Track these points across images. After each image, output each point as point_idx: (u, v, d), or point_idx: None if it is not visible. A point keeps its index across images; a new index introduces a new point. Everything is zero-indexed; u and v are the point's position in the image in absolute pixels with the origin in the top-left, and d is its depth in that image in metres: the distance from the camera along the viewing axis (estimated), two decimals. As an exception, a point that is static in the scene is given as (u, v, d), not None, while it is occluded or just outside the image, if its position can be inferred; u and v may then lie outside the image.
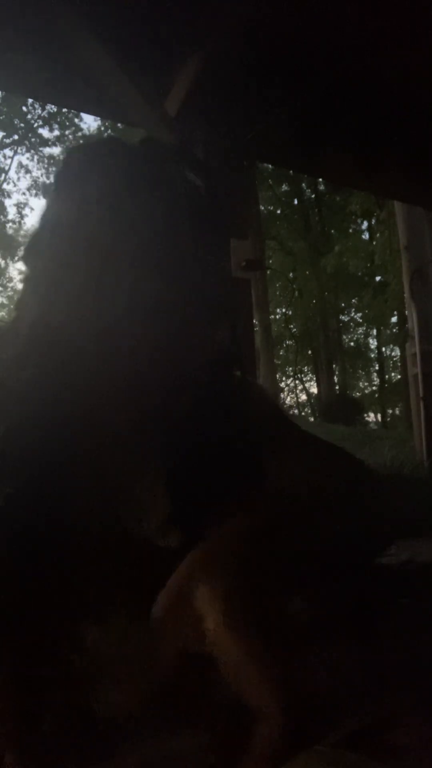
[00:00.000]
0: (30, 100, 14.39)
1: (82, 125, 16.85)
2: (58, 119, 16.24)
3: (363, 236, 17.83)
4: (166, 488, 0.74)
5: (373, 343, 22.30)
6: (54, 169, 17.44)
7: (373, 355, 22.75)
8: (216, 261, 0.77)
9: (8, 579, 0.62)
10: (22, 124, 16.10)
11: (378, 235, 15.90)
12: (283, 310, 20.50)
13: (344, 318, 21.61)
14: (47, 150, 17.17)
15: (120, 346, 0.71)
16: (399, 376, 19.68)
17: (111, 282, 0.71)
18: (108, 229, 0.72)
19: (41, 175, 17.82)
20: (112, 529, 0.74)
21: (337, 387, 20.68)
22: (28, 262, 0.77)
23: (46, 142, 16.96)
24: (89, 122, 17.66)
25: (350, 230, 18.28)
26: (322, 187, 17.51)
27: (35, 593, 0.63)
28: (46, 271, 0.75)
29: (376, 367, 22.73)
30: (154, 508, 0.74)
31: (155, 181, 0.74)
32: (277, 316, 20.04)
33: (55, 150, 17.37)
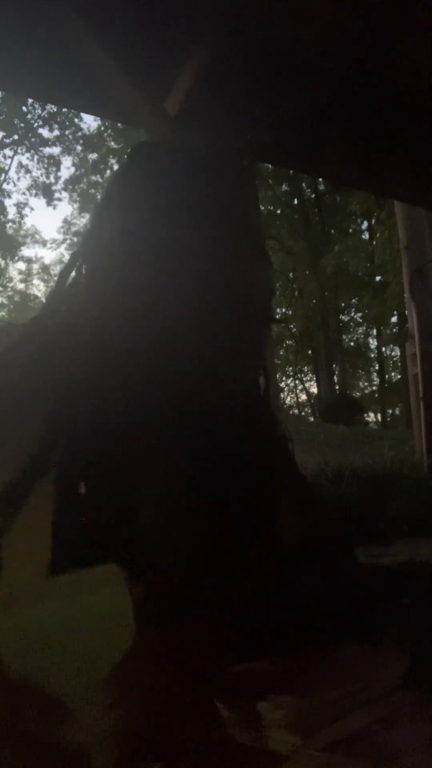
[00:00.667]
0: (30, 100, 14.39)
1: (82, 125, 16.87)
2: (58, 119, 16.25)
3: (363, 236, 17.83)
4: (193, 495, 0.75)
5: (373, 343, 22.30)
6: (54, 169, 17.43)
7: (373, 355, 22.76)
8: (262, 271, 0.77)
9: None
10: (22, 124, 16.10)
11: (378, 235, 15.90)
12: (283, 310, 20.50)
13: (344, 318, 21.61)
14: (47, 150, 17.16)
15: (172, 349, 0.72)
16: (399, 376, 19.67)
17: (167, 288, 0.72)
18: (168, 236, 0.73)
19: (41, 175, 17.81)
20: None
21: (337, 387, 20.67)
22: (85, 258, 0.77)
23: (46, 142, 16.96)
24: (89, 122, 17.67)
25: (350, 230, 18.28)
26: (322, 187, 17.52)
27: None
28: (105, 272, 0.75)
29: (376, 367, 22.73)
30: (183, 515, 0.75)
31: (217, 191, 0.75)
32: (277, 316, 20.04)
33: (55, 150, 17.38)
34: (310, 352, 21.38)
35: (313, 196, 18.79)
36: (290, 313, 20.13)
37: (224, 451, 0.75)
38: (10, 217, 19.52)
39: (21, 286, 23.18)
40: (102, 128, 15.71)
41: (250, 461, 0.73)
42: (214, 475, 0.70)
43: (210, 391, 0.73)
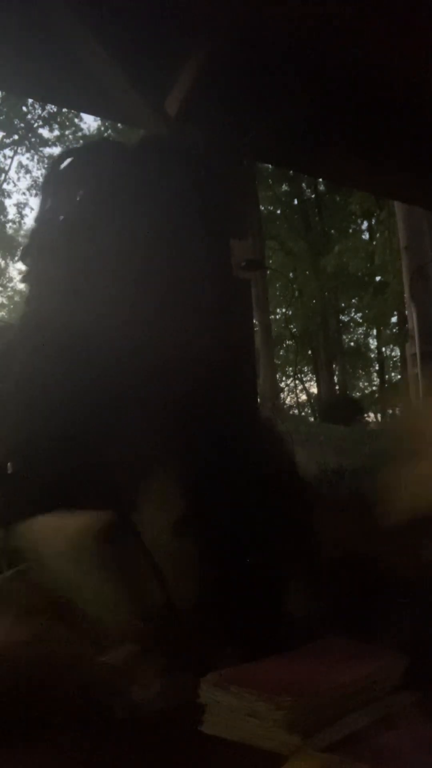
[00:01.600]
0: (30, 100, 14.39)
1: (82, 125, 16.85)
2: (58, 119, 16.25)
3: (363, 236, 17.84)
4: (178, 487, 0.76)
5: (373, 343, 22.31)
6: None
7: (373, 355, 22.76)
8: (212, 260, 0.76)
9: None
10: (22, 124, 16.10)
11: (378, 235, 15.91)
12: (283, 310, 20.51)
13: (344, 318, 21.62)
14: (47, 150, 17.16)
15: (112, 345, 0.71)
16: (399, 376, 19.67)
17: (98, 285, 0.72)
18: (99, 230, 0.72)
19: (41, 175, 17.80)
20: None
21: (337, 387, 20.68)
22: (25, 262, 0.78)
23: (46, 142, 16.96)
24: (89, 122, 17.65)
25: (350, 230, 18.29)
26: (322, 187, 17.52)
27: None
28: (43, 271, 0.75)
29: (376, 367, 22.74)
30: (166, 508, 0.75)
31: (147, 182, 0.75)
32: (277, 316, 20.05)
33: (55, 150, 17.38)
34: (310, 352, 21.39)
35: (313, 196, 18.79)
36: (290, 313, 20.15)
37: (203, 435, 0.76)
38: (10, 217, 19.52)
39: (21, 286, 23.18)
40: (102, 128, 15.71)
41: (234, 448, 0.73)
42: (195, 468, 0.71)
43: (166, 376, 0.73)
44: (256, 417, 0.83)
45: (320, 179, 14.32)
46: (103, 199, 0.73)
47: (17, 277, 23.27)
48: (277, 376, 19.86)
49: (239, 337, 0.84)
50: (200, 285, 0.75)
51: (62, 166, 0.75)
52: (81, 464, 0.71)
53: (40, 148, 17.12)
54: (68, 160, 0.75)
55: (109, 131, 15.76)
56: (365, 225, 17.85)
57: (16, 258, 22.65)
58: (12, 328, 0.79)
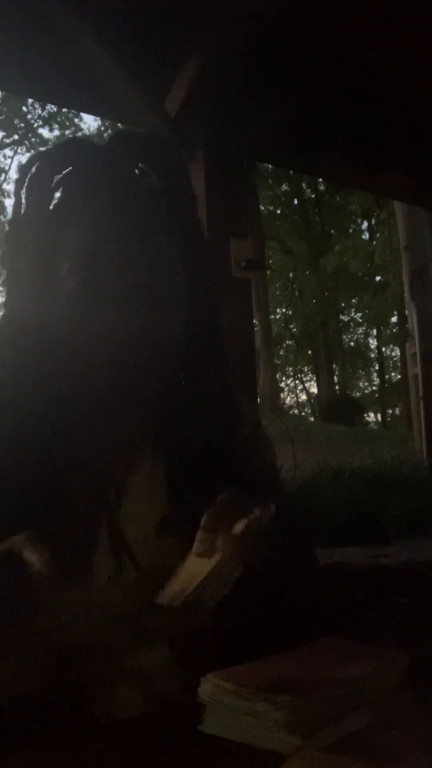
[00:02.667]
0: (30, 100, 14.40)
1: (82, 125, 16.87)
2: (58, 119, 16.26)
3: (363, 236, 17.85)
4: (163, 471, 0.77)
5: (373, 343, 22.34)
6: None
7: (373, 355, 22.79)
8: (188, 255, 0.77)
9: None
10: (22, 124, 16.11)
11: (378, 235, 15.91)
12: (283, 310, 20.52)
13: (344, 318, 21.64)
14: (47, 150, 17.16)
15: (96, 339, 0.72)
16: (399, 376, 19.69)
17: (73, 284, 0.72)
18: (72, 229, 0.73)
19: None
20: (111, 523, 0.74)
21: (337, 387, 20.69)
22: (2, 265, 0.79)
23: (46, 142, 16.96)
24: (89, 122, 17.69)
25: (350, 230, 18.30)
26: (322, 187, 17.52)
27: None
28: (19, 273, 0.76)
29: (376, 367, 22.76)
30: (148, 505, 0.76)
31: (117, 180, 0.76)
32: (277, 316, 20.06)
33: (55, 150, 17.36)
34: (310, 352, 21.40)
35: (313, 196, 18.80)
36: (290, 313, 20.15)
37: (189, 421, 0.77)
38: (10, 217, 19.50)
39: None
40: (102, 128, 15.72)
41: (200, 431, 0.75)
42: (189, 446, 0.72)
43: (142, 369, 0.74)
44: (237, 417, 0.83)
45: (320, 179, 14.32)
46: (75, 198, 0.74)
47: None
48: (277, 376, 19.87)
49: (230, 335, 0.84)
50: (174, 281, 0.75)
51: (33, 169, 0.76)
52: (62, 463, 0.72)
53: (40, 148, 17.12)
54: (37, 164, 0.76)
55: (109, 131, 15.77)
56: (365, 225, 17.88)
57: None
58: None
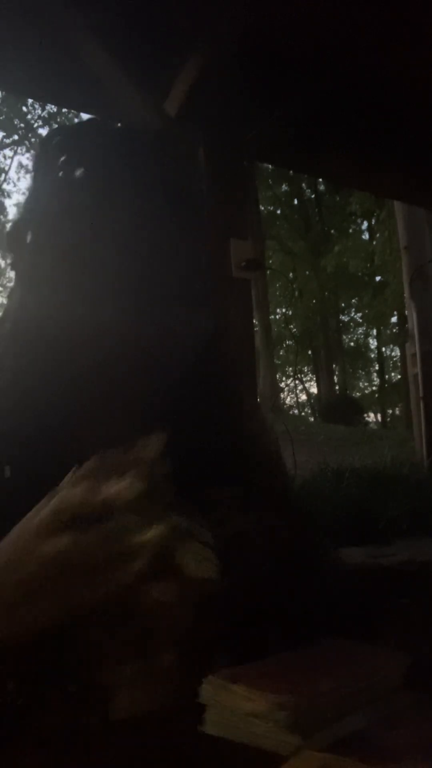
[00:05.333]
0: (30, 100, 14.38)
1: (82, 125, 16.82)
2: (58, 119, 16.24)
3: (363, 236, 17.84)
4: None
5: (373, 343, 22.33)
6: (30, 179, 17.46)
7: (373, 355, 22.78)
8: (194, 245, 0.75)
9: None
10: (22, 124, 16.09)
11: (378, 235, 15.90)
12: (283, 310, 20.51)
13: (344, 318, 21.63)
14: (47, 150, 17.16)
15: (100, 333, 0.70)
16: (399, 376, 19.68)
17: (89, 268, 0.70)
18: (86, 214, 0.70)
19: (41, 175, 17.78)
20: None
21: (337, 387, 20.68)
22: (11, 249, 0.76)
23: (46, 142, 16.95)
24: (89, 122, 17.62)
25: (350, 230, 18.29)
26: (322, 187, 17.52)
27: None
28: (28, 258, 0.74)
29: (376, 367, 22.75)
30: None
31: (134, 164, 0.72)
32: (277, 316, 20.05)
33: (55, 150, 17.37)
34: (310, 352, 21.39)
35: (313, 196, 18.79)
36: (290, 313, 20.15)
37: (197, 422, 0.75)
38: (10, 217, 19.51)
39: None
40: (102, 128, 15.67)
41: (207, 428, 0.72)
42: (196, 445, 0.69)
43: (150, 366, 0.72)
44: (243, 417, 0.82)
45: (320, 179, 14.32)
46: (97, 180, 0.71)
47: (17, 277, 23.24)
48: (277, 376, 19.87)
49: (236, 334, 0.83)
50: (189, 275, 0.73)
51: (53, 143, 0.73)
52: (68, 460, 0.71)
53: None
54: (57, 138, 0.74)
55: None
56: (365, 225, 17.86)
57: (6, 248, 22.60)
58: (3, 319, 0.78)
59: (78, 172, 0.72)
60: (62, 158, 0.73)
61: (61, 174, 0.72)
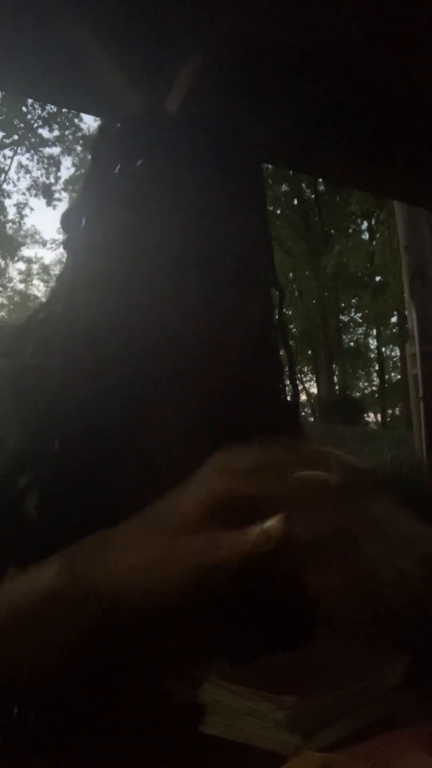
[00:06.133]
0: (30, 101, 14.41)
1: (82, 125, 16.87)
2: (58, 119, 16.29)
3: (363, 236, 17.86)
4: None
5: (373, 343, 22.34)
6: (54, 169, 17.43)
7: (373, 355, 22.79)
8: (255, 235, 0.74)
9: None
10: (22, 124, 16.12)
11: (378, 235, 15.91)
12: (283, 310, 20.49)
13: (344, 318, 21.65)
14: (47, 150, 17.20)
15: (156, 318, 0.68)
16: (399, 376, 19.69)
17: (145, 254, 0.69)
18: (144, 202, 0.69)
19: (41, 175, 17.85)
20: None
21: (337, 387, 20.70)
22: (66, 229, 0.75)
23: (46, 142, 17.00)
24: (89, 122, 17.66)
25: (350, 230, 18.31)
26: (322, 187, 17.53)
27: None
28: (82, 240, 0.72)
29: (376, 367, 22.76)
30: None
31: (192, 153, 0.71)
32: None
33: (55, 150, 17.41)
34: (310, 352, 21.41)
35: (313, 196, 18.81)
36: (290, 313, 20.15)
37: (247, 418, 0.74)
38: (10, 217, 19.56)
39: (21, 286, 23.23)
40: (102, 128, 15.67)
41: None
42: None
43: (207, 357, 0.70)
44: (290, 414, 0.82)
45: (320, 179, 14.32)
46: (157, 173, 0.70)
47: (17, 277, 23.27)
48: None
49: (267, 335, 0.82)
50: (256, 269, 0.72)
51: (114, 128, 0.73)
52: (119, 452, 0.68)
53: (40, 149, 17.16)
54: (120, 124, 0.73)
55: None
56: (365, 225, 17.88)
57: (16, 258, 22.64)
58: (15, 327, 0.77)
59: (137, 162, 0.70)
60: (121, 147, 0.72)
61: (119, 163, 0.71)
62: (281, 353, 0.82)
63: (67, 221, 0.74)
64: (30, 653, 0.53)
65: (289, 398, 0.83)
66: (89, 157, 0.76)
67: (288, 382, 0.82)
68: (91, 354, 0.69)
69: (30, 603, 0.52)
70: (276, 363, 0.80)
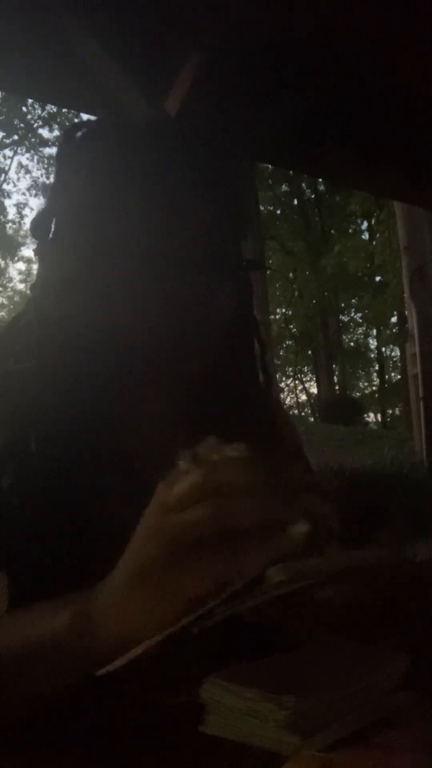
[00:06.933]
0: (30, 100, 14.41)
1: (82, 125, 16.85)
2: (58, 119, 16.27)
3: (363, 236, 17.87)
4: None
5: (373, 343, 22.36)
6: (54, 169, 17.46)
7: (373, 355, 22.80)
8: (225, 225, 0.74)
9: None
10: (22, 124, 16.12)
11: (378, 235, 15.92)
12: (283, 310, 20.53)
13: (344, 318, 21.65)
14: (47, 150, 17.20)
15: (131, 319, 0.69)
16: (399, 376, 19.70)
17: (118, 261, 0.69)
18: (121, 203, 0.70)
19: (41, 175, 17.86)
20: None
21: (337, 387, 20.70)
22: (36, 236, 0.76)
23: (46, 142, 17.00)
24: (89, 122, 17.65)
25: (350, 230, 18.32)
26: (322, 187, 17.54)
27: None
28: (52, 245, 0.73)
29: (376, 367, 22.77)
30: None
31: (160, 160, 0.71)
32: (277, 316, 20.07)
33: (55, 150, 17.42)
34: (310, 352, 21.42)
35: (313, 196, 18.81)
36: (290, 313, 20.16)
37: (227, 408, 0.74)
38: (10, 217, 19.56)
39: (21, 286, 23.20)
40: (102, 128, 15.70)
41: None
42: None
43: (182, 348, 0.71)
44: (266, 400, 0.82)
45: (320, 179, 14.33)
46: (123, 174, 0.70)
47: (17, 277, 23.29)
48: (277, 376, 19.88)
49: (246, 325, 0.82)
50: (230, 260, 0.72)
51: (77, 135, 0.73)
52: (96, 451, 0.69)
53: (40, 148, 17.17)
54: (83, 131, 0.73)
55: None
56: (365, 225, 17.89)
57: (16, 258, 22.67)
58: (31, 306, 0.77)
59: (103, 165, 0.71)
60: (87, 151, 0.72)
61: (84, 168, 0.72)
62: (256, 343, 0.81)
63: (36, 228, 0.75)
64: (29, 689, 0.56)
65: (263, 386, 0.83)
66: (55, 161, 0.76)
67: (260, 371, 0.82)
68: (64, 356, 0.69)
69: (39, 649, 0.54)
70: (250, 353, 0.81)
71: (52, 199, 0.75)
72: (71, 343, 0.70)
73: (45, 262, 0.74)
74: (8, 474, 0.66)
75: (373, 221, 16.70)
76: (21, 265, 23.59)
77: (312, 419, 16.93)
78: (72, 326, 0.70)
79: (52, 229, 0.73)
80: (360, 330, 22.51)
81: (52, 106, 14.95)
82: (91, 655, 0.51)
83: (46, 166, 17.52)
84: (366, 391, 23.81)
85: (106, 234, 0.70)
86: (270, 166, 11.02)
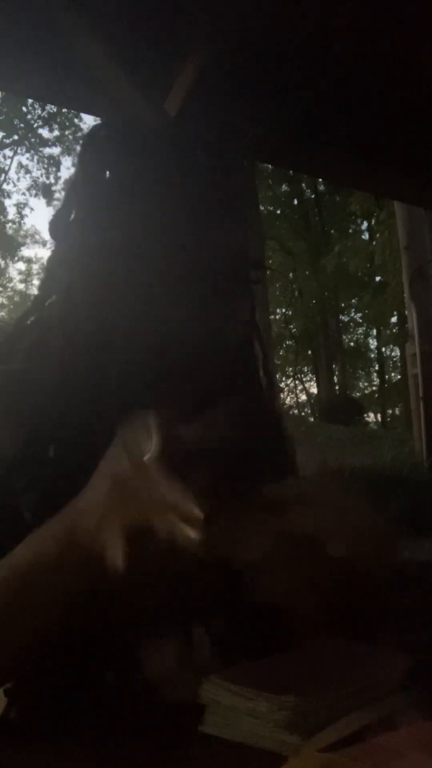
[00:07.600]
0: (30, 100, 14.39)
1: (82, 125, 16.84)
2: (58, 119, 16.26)
3: (363, 236, 17.86)
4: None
5: (373, 343, 22.35)
6: (54, 169, 17.43)
7: (373, 355, 22.80)
8: (244, 234, 0.75)
9: None
10: (22, 124, 16.11)
11: (378, 235, 15.91)
12: (283, 310, 20.53)
13: (344, 318, 21.65)
14: (47, 150, 17.18)
15: (145, 328, 0.69)
16: (399, 376, 19.70)
17: (134, 262, 0.69)
18: (132, 209, 0.70)
19: (41, 175, 17.82)
20: None
21: (337, 387, 20.69)
22: (54, 237, 0.75)
23: (46, 142, 16.98)
24: (89, 122, 17.65)
25: (350, 230, 18.31)
26: (322, 187, 17.54)
27: None
28: (76, 250, 0.73)
29: (376, 367, 22.77)
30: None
31: (180, 161, 0.72)
32: (277, 316, 20.07)
33: (55, 150, 17.38)
34: (310, 352, 21.41)
35: (313, 196, 18.81)
36: (290, 313, 20.16)
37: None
38: (10, 217, 19.53)
39: (21, 286, 23.18)
40: (102, 128, 15.69)
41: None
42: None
43: (193, 357, 0.71)
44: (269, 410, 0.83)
45: (320, 179, 14.33)
46: (141, 178, 0.70)
47: (17, 277, 23.28)
48: (277, 376, 19.88)
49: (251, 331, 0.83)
50: (233, 270, 0.73)
51: (99, 137, 0.74)
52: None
53: (40, 148, 17.14)
54: (104, 133, 0.74)
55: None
56: (365, 225, 17.88)
57: (16, 258, 22.65)
58: (10, 325, 0.77)
59: (123, 169, 0.71)
60: (110, 153, 0.73)
61: (108, 169, 0.72)
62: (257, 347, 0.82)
63: (56, 228, 0.75)
64: (31, 615, 0.59)
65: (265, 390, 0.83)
66: (77, 162, 0.76)
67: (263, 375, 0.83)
68: (89, 361, 0.69)
69: (37, 570, 0.59)
70: (252, 356, 0.81)
71: (74, 198, 0.74)
72: (96, 347, 0.70)
73: (66, 263, 0.74)
74: (22, 478, 0.66)
75: (373, 221, 16.69)
76: (21, 265, 23.60)
77: (312, 419, 16.93)
78: (97, 331, 0.70)
79: (75, 230, 0.73)
80: (360, 330, 22.52)
81: (52, 106, 14.95)
82: (87, 564, 0.55)
83: (46, 166, 17.49)
84: (366, 391, 23.81)
85: (131, 240, 0.70)
86: (270, 166, 11.02)
